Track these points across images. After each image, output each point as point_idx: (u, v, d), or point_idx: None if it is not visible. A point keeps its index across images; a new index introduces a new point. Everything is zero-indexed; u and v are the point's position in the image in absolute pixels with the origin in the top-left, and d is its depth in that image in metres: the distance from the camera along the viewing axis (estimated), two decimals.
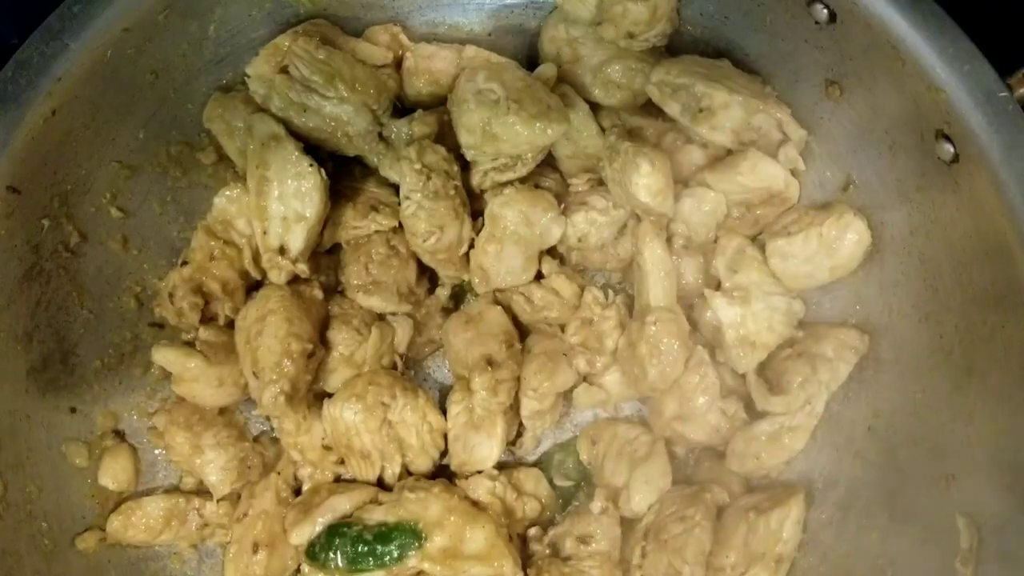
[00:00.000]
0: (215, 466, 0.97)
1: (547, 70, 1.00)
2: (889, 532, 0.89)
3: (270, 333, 0.94)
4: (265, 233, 0.95)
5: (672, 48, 1.00)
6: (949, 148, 0.79)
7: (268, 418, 1.03)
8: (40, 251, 0.89)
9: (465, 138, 0.97)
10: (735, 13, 0.93)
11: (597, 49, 1.00)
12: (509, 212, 0.98)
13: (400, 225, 1.00)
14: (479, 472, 0.99)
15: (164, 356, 0.96)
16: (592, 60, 1.00)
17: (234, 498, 1.01)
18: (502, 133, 0.94)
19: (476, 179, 1.00)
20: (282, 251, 0.96)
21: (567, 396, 1.04)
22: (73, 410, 0.95)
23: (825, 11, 0.84)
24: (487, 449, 0.99)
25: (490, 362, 0.98)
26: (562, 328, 1.02)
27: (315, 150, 0.98)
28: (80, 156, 0.91)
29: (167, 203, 1.01)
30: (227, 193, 0.99)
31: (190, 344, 1.00)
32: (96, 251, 0.95)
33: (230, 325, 1.00)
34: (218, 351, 0.98)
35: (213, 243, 0.99)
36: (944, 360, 0.86)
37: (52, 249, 0.91)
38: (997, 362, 0.80)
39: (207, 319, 1.00)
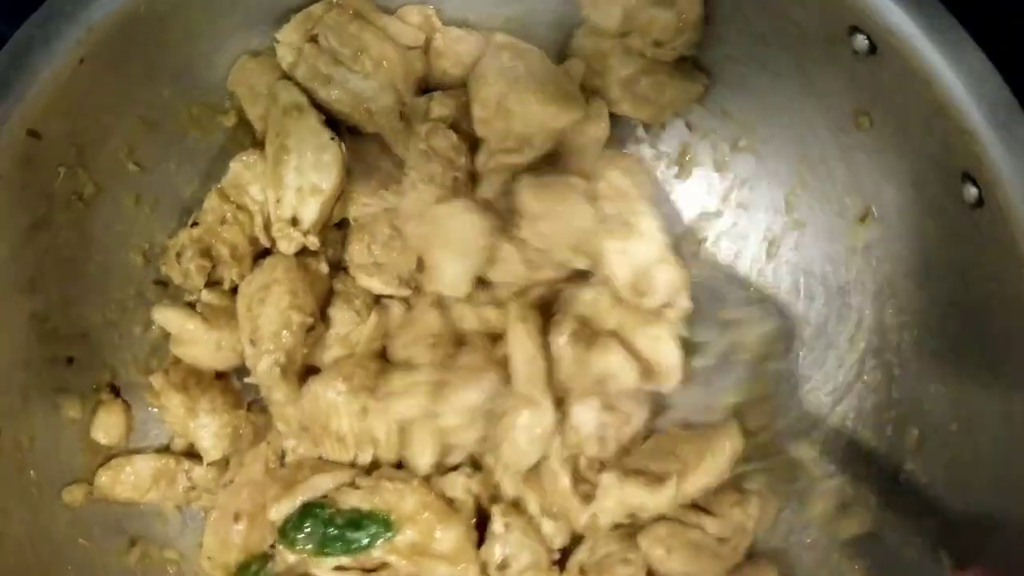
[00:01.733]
0: (208, 431, 0.97)
1: (576, 65, 0.99)
2: (875, 563, 0.90)
3: (272, 303, 0.94)
4: (279, 202, 0.95)
5: (704, 64, 1.00)
6: (974, 191, 0.80)
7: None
8: (54, 200, 0.88)
9: (478, 111, 0.96)
10: (772, 33, 0.92)
11: (626, 61, 0.99)
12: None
13: None
14: (456, 469, 0.99)
15: (164, 316, 0.96)
16: (621, 72, 1.00)
17: (223, 463, 1.01)
18: (516, 109, 0.94)
19: (482, 158, 1.00)
20: (294, 222, 0.95)
21: None
22: (70, 361, 0.94)
23: (866, 42, 0.84)
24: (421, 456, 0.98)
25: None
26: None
27: (334, 124, 0.97)
28: (103, 107, 0.89)
29: (184, 163, 0.99)
30: (244, 158, 0.98)
31: (191, 306, 0.99)
32: (108, 205, 0.94)
33: (234, 291, 0.99)
34: (219, 315, 0.97)
35: (226, 207, 0.98)
36: (948, 400, 0.87)
37: (66, 199, 0.90)
38: (998, 405, 0.81)
39: (212, 282, 0.99)
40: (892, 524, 0.90)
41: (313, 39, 0.98)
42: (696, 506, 0.96)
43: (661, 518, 0.96)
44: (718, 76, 1.00)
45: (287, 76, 0.98)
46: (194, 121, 0.99)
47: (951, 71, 0.79)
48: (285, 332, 0.92)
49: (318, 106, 0.97)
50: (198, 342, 0.97)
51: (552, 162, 1.01)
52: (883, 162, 0.91)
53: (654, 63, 0.99)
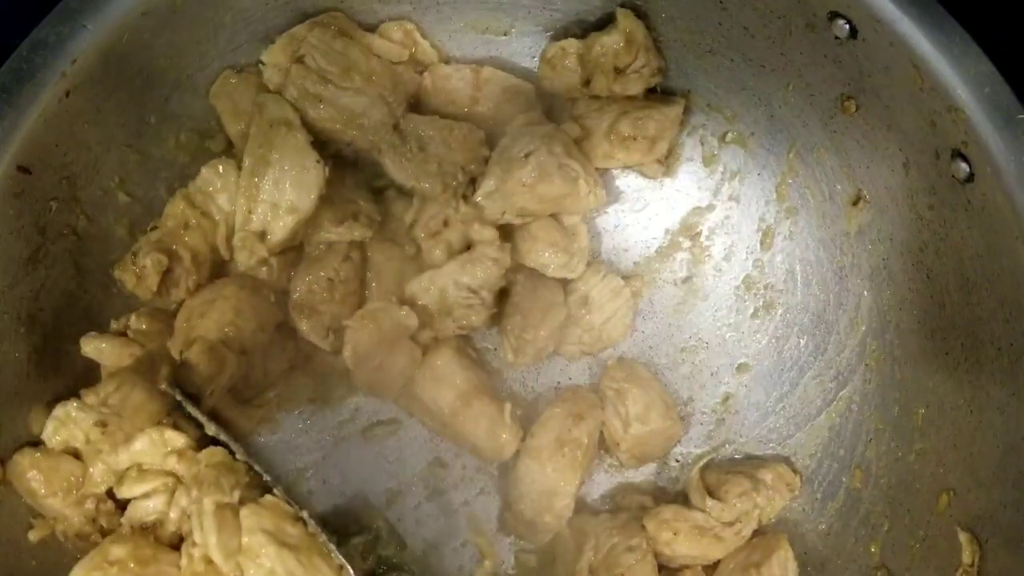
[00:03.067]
0: (75, 422, 0.87)
1: (571, 129, 1.01)
2: (887, 544, 0.90)
3: (213, 317, 0.94)
4: (250, 213, 0.95)
5: (689, 65, 1.01)
6: (964, 167, 0.80)
7: None
8: (47, 233, 0.88)
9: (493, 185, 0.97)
10: (756, 25, 0.93)
11: (602, 115, 1.01)
12: None
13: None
14: None
15: (94, 347, 0.91)
16: (602, 126, 1.01)
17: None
18: (546, 192, 0.96)
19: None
20: (262, 236, 0.95)
21: None
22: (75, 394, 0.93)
23: (847, 27, 0.84)
24: None
25: None
26: None
27: (319, 148, 0.97)
28: (91, 139, 0.89)
29: (175, 189, 0.99)
30: (216, 165, 0.97)
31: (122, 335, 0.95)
32: (102, 235, 0.94)
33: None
34: (152, 339, 0.95)
35: (190, 212, 0.97)
36: (949, 376, 0.87)
37: (59, 232, 0.89)
38: (1002, 380, 0.81)
39: (166, 288, 0.96)
40: (906, 505, 0.90)
41: (299, 60, 0.98)
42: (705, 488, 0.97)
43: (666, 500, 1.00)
44: (701, 70, 1.01)
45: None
46: (182, 147, 0.99)
47: (934, 49, 0.79)
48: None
49: (307, 128, 0.97)
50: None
51: None
52: (872, 145, 0.91)
53: (627, 103, 1.00)
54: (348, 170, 1.03)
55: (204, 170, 0.97)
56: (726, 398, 1.05)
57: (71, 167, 0.88)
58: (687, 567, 0.97)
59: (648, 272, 1.08)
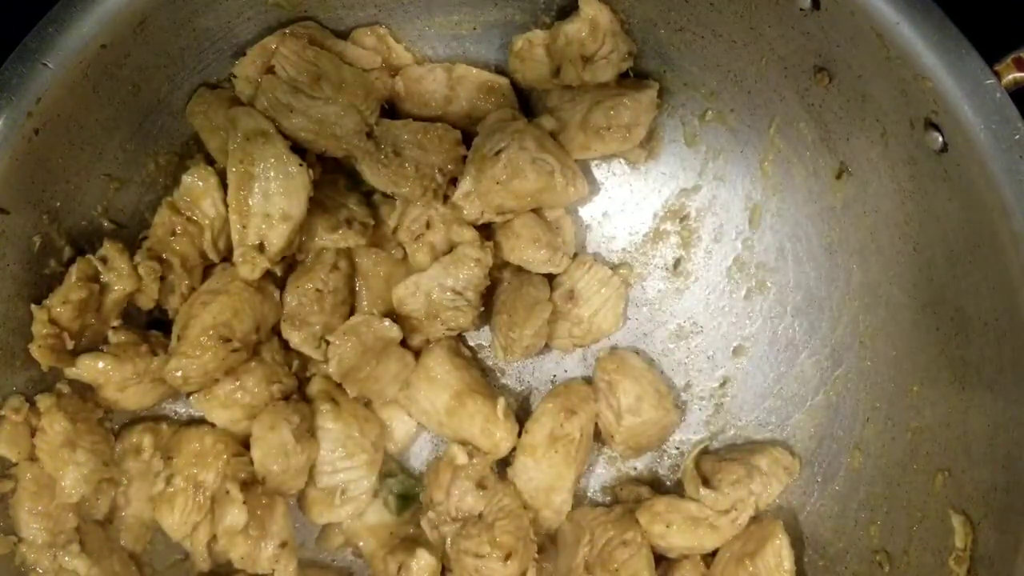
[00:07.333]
0: (80, 469, 0.91)
1: (547, 122, 0.99)
2: (886, 526, 0.88)
3: (211, 311, 0.94)
4: (244, 228, 0.95)
5: (662, 45, 0.98)
6: (938, 137, 0.77)
7: None
8: (33, 268, 0.90)
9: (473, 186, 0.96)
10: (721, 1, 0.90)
11: (575, 106, 0.99)
12: None
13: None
14: None
15: (89, 367, 0.93)
16: (576, 118, 0.99)
17: None
18: (521, 189, 0.95)
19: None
20: (260, 248, 0.95)
21: None
22: None
23: None
24: None
25: None
26: None
27: (302, 153, 0.97)
28: (67, 172, 0.91)
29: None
30: (194, 173, 0.98)
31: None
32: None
33: (150, 325, 1.01)
34: (128, 350, 0.96)
35: (176, 219, 0.98)
36: (941, 352, 0.85)
37: (45, 265, 0.91)
38: (991, 355, 0.78)
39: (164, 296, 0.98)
40: (904, 486, 0.87)
41: (270, 70, 0.98)
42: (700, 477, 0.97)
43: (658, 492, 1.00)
44: (674, 49, 0.98)
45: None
46: (162, 171, 1.00)
47: (896, 15, 0.76)
48: (203, 339, 0.93)
49: (283, 136, 0.97)
50: (111, 381, 0.95)
51: None
52: (849, 117, 0.88)
53: (599, 92, 0.98)
54: (337, 173, 1.03)
55: (184, 178, 0.98)
56: (724, 382, 1.04)
57: (50, 201, 0.90)
58: (685, 557, 0.96)
59: (638, 259, 1.06)
